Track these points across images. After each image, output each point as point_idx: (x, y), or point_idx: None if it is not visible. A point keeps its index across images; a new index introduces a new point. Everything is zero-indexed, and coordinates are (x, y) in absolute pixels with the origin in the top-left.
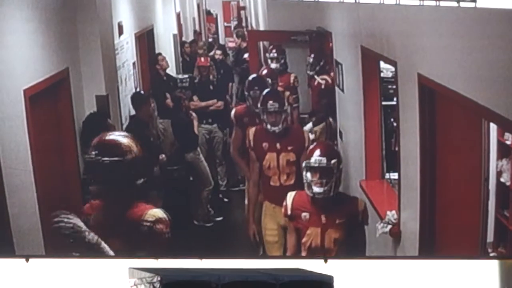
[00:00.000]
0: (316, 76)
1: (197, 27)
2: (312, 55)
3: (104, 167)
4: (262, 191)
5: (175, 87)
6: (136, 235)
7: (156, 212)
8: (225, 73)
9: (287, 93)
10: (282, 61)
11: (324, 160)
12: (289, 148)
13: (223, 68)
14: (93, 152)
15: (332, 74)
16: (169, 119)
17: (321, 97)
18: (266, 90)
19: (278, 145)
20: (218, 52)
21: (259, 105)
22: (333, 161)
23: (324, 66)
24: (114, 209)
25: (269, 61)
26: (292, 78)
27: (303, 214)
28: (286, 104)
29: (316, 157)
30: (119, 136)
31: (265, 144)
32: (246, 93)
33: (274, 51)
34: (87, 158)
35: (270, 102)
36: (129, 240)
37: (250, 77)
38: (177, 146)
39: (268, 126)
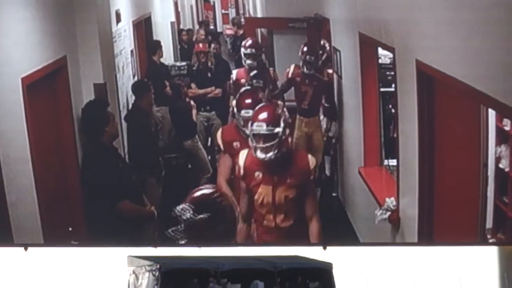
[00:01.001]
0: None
1: (194, 15)
2: (305, 48)
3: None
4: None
5: (169, 75)
6: None
7: None
8: (222, 61)
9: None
10: (260, 57)
11: (264, 126)
12: (289, 181)
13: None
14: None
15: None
16: (167, 106)
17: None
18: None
19: (275, 178)
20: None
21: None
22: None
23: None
24: None
25: (243, 58)
26: (272, 73)
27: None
28: (282, 124)
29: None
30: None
31: (258, 174)
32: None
33: (250, 46)
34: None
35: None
36: None
37: (242, 89)
38: (175, 134)
39: (258, 153)
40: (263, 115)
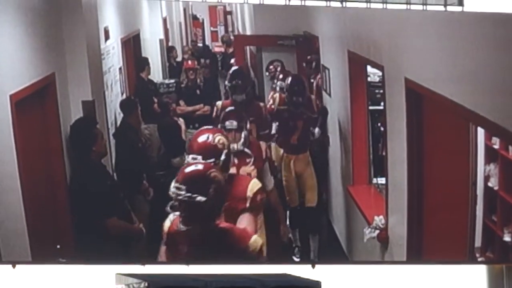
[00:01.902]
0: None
1: (183, 32)
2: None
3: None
4: None
5: (157, 92)
6: None
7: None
8: (211, 78)
9: (262, 143)
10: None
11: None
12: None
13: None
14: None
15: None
16: (154, 123)
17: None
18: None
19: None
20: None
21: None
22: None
23: (317, 67)
24: None
25: (229, 92)
26: (263, 109)
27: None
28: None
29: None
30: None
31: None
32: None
33: (235, 76)
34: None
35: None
36: None
37: (227, 109)
38: (164, 151)
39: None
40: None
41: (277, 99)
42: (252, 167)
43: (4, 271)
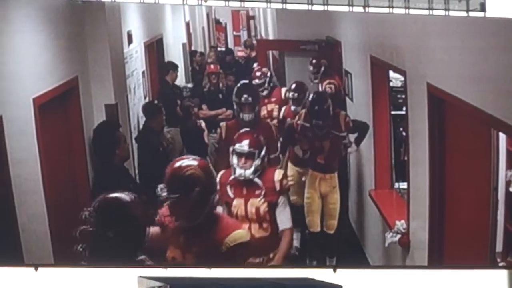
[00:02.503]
0: (320, 84)
1: (206, 37)
2: (314, 61)
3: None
4: None
5: (182, 96)
6: None
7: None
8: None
9: (278, 172)
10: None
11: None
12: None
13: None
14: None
15: (337, 78)
16: (177, 127)
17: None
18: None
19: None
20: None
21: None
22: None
23: (326, 71)
24: None
25: (236, 110)
26: (273, 129)
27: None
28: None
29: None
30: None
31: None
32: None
33: (244, 92)
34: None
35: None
36: None
37: (242, 130)
38: (186, 155)
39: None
40: None
41: (303, 115)
42: (262, 201)
43: (26, 274)
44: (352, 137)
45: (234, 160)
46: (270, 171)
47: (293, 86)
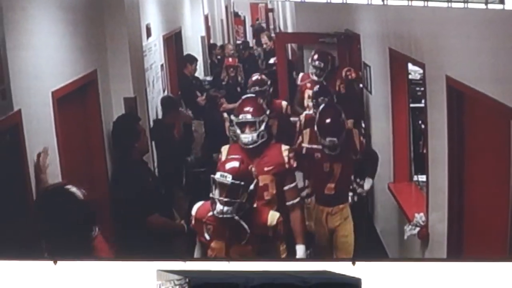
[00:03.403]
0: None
1: (225, 29)
2: (316, 56)
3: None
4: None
5: (203, 88)
6: None
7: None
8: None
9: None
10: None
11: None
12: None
13: (250, 67)
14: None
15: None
16: (199, 119)
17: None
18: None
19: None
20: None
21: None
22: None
23: (333, 67)
24: None
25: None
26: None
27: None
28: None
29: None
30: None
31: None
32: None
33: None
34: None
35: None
36: None
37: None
38: (206, 148)
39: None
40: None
41: (307, 135)
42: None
43: (45, 268)
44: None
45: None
46: (276, 146)
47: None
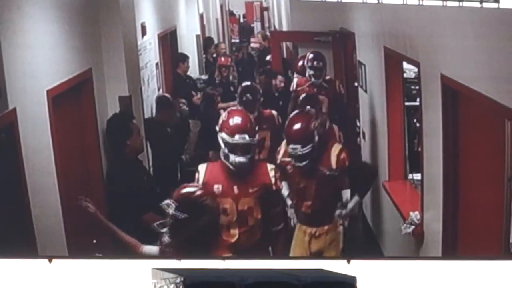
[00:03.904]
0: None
1: (220, 28)
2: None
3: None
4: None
5: (196, 87)
6: None
7: None
8: (245, 75)
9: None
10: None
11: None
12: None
13: (244, 67)
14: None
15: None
16: (194, 119)
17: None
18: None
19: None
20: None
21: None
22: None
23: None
24: None
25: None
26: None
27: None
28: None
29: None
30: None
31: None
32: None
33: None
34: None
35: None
36: None
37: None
38: (200, 147)
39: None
40: None
41: (283, 147)
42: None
43: (40, 266)
44: (346, 192)
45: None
46: (261, 165)
47: (311, 56)
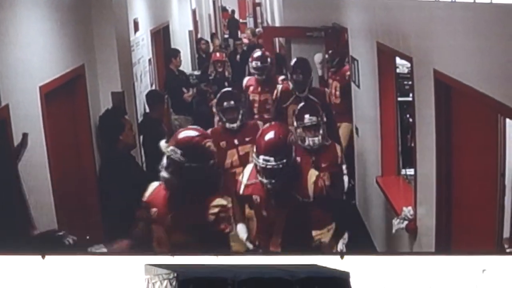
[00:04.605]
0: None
1: (212, 24)
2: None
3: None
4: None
5: (189, 83)
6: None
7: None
8: (240, 70)
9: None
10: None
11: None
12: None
13: (235, 65)
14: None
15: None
16: (185, 114)
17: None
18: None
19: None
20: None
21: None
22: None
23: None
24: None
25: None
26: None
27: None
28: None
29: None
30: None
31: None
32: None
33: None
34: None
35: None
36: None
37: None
38: None
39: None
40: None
41: (246, 173)
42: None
43: (33, 262)
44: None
45: None
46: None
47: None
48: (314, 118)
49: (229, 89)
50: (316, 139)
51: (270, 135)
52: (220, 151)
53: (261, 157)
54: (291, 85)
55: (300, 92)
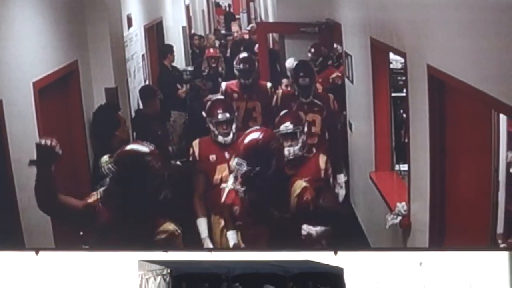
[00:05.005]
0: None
1: (206, 20)
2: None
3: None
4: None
5: (182, 79)
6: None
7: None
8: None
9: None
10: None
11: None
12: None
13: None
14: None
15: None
16: (179, 110)
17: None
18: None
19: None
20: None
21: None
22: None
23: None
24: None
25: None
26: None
27: (210, 156)
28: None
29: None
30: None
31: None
32: None
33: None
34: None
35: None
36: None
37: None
38: (185, 137)
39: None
40: None
41: (230, 181)
42: None
43: (27, 258)
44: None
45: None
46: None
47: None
48: (290, 126)
49: (222, 97)
50: (291, 149)
51: (250, 137)
52: (209, 165)
53: (236, 159)
54: (295, 90)
55: (305, 97)
